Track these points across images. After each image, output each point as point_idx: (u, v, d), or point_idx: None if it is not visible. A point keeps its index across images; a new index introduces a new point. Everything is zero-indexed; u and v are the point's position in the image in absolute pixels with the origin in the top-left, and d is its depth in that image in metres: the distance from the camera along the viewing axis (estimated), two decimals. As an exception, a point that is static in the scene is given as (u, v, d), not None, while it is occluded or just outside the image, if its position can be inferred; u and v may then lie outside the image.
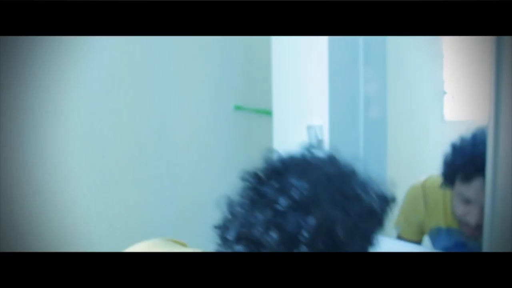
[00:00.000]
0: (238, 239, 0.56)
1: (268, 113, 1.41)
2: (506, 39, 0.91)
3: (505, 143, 0.94)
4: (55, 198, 1.03)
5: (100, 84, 1.11)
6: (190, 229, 1.42)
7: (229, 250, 0.56)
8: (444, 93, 1.24)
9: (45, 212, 1.01)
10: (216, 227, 0.59)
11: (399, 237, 1.21)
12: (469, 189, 0.99)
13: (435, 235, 1.13)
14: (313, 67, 1.16)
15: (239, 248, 0.55)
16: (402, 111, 1.32)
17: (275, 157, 0.61)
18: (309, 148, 0.65)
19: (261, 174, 0.58)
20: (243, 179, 0.60)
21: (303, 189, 0.55)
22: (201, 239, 1.60)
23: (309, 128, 1.15)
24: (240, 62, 1.47)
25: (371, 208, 0.59)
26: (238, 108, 1.46)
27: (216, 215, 1.53)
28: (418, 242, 1.18)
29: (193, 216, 1.42)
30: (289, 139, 1.26)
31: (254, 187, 0.58)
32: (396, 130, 1.32)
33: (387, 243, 1.23)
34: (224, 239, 0.58)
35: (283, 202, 0.54)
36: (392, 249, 1.19)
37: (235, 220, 0.57)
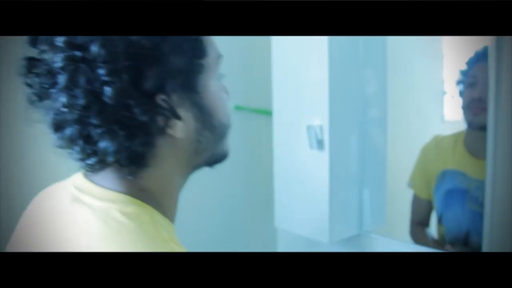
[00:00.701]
0: (56, 129, 0.49)
1: (268, 113, 1.41)
2: (506, 39, 0.91)
3: (505, 143, 0.94)
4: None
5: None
6: (189, 227, 1.42)
7: (70, 150, 0.50)
8: (444, 93, 1.24)
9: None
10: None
11: (415, 197, 1.25)
12: (478, 66, 1.09)
13: (440, 180, 1.18)
14: (313, 67, 1.15)
15: (67, 134, 0.49)
16: (402, 111, 1.32)
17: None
18: None
19: (28, 56, 0.50)
20: (21, 75, 0.50)
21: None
22: (200, 237, 1.61)
23: (309, 128, 1.15)
24: (240, 62, 1.47)
25: None
26: (238, 108, 1.46)
27: (215, 214, 1.52)
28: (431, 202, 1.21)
29: (192, 215, 1.42)
30: (289, 139, 1.26)
31: (35, 72, 0.49)
32: (396, 130, 1.32)
33: (386, 243, 1.24)
34: (56, 144, 0.51)
35: (56, 59, 0.46)
36: (391, 249, 1.20)
37: (46, 117, 0.50)
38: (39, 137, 0.54)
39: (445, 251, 1.12)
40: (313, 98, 1.16)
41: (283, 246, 1.58)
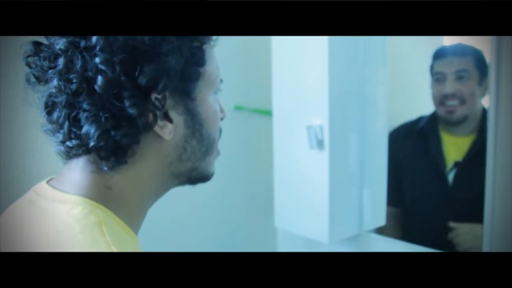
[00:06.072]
0: (47, 112, 0.51)
1: (268, 113, 1.42)
2: (506, 39, 0.92)
3: (505, 142, 0.94)
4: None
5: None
6: (190, 228, 1.42)
7: (56, 134, 0.51)
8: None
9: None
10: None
11: None
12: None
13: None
14: (313, 67, 1.16)
15: (55, 116, 0.50)
16: (402, 111, 1.32)
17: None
18: None
19: (34, 40, 0.52)
20: (25, 57, 0.52)
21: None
22: (200, 237, 1.60)
23: (309, 128, 1.15)
24: (240, 62, 1.47)
25: None
26: (238, 108, 1.46)
27: (215, 214, 1.51)
28: None
29: (192, 215, 1.42)
30: (289, 139, 1.26)
31: (39, 55, 0.51)
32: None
33: (386, 243, 1.24)
34: (45, 128, 0.53)
35: (59, 41, 0.48)
36: (390, 249, 1.20)
37: (41, 100, 0.52)
38: (40, 136, 0.55)
39: (444, 251, 1.12)
40: (313, 98, 1.16)
41: (283, 246, 1.58)
